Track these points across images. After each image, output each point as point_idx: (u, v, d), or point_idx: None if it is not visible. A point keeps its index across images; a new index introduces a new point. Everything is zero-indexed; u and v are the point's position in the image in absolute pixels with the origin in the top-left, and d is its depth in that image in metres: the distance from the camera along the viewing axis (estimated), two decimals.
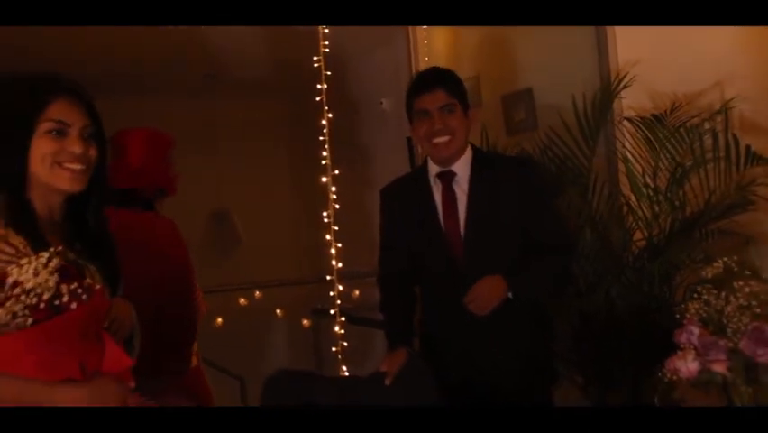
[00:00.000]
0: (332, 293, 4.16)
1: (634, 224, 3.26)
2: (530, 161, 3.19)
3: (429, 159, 2.70)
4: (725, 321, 1.43)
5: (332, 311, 4.18)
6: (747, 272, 1.47)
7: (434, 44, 4.97)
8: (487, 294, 2.49)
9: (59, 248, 1.56)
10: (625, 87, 3.43)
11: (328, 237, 4.11)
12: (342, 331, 4.22)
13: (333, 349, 4.28)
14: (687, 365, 1.45)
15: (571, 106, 3.48)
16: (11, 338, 1.43)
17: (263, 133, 6.59)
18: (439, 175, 2.66)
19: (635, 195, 3.25)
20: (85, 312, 1.49)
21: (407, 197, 2.74)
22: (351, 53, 5.35)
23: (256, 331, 6.11)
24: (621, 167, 3.46)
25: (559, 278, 2.72)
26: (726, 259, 1.57)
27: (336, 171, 4.12)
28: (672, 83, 3.51)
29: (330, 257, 4.13)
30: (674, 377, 1.45)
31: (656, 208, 3.13)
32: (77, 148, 1.68)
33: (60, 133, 1.68)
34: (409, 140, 4.42)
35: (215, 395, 5.64)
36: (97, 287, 1.57)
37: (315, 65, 4.13)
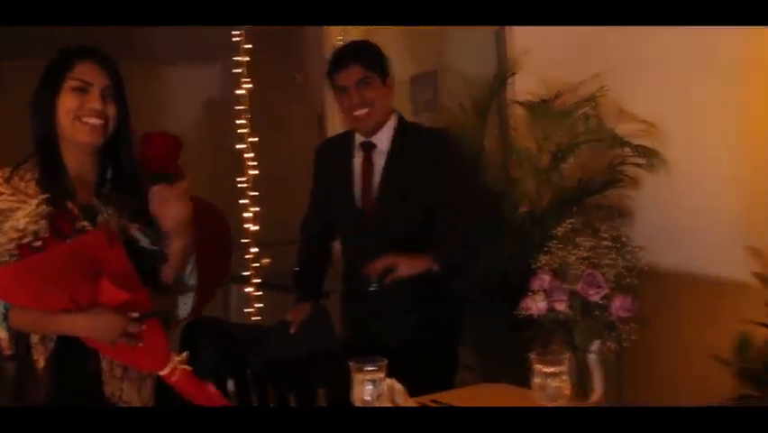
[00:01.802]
0: (247, 256, 4.43)
1: (518, 197, 3.66)
2: (451, 134, 3.27)
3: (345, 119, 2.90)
4: (568, 270, 1.80)
5: (245, 273, 4.44)
6: (588, 230, 1.84)
7: None
8: (402, 263, 2.63)
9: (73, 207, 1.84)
10: (513, 74, 3.80)
11: (244, 202, 4.38)
12: (259, 293, 4.49)
13: (246, 310, 4.56)
14: (537, 304, 1.82)
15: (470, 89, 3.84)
16: (2, 270, 1.72)
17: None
18: (361, 144, 2.81)
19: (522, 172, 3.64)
20: (66, 252, 1.76)
21: (332, 159, 2.91)
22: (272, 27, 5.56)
23: None
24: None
25: (487, 234, 2.91)
26: (572, 220, 1.94)
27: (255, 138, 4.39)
28: (560, 72, 3.91)
29: (245, 221, 4.39)
30: (527, 313, 1.81)
31: (538, 184, 3.53)
32: (96, 104, 1.90)
33: (83, 90, 1.90)
34: (320, 117, 4.64)
35: None
36: (88, 229, 1.84)
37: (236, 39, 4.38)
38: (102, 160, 1.99)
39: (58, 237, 1.79)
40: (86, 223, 1.87)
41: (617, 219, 3.79)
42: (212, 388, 1.94)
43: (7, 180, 1.90)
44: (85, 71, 1.91)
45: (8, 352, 1.87)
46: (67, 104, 1.90)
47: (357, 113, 2.73)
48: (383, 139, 2.79)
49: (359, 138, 2.82)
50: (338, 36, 5.00)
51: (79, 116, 1.90)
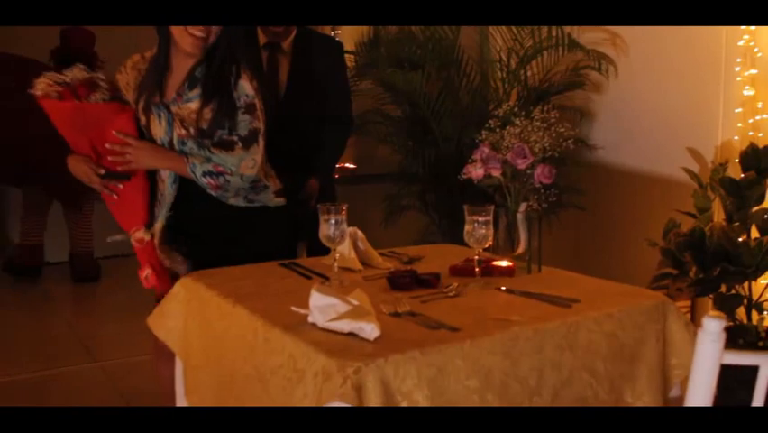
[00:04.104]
0: None
1: (490, 94, 4.01)
2: (338, 42, 3.54)
3: (259, 27, 3.01)
4: (503, 144, 2.15)
5: None
6: (522, 113, 2.19)
7: None
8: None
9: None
10: None
11: None
12: None
13: None
14: (476, 171, 2.17)
15: None
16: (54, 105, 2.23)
17: None
18: (265, 45, 3.00)
19: (491, 71, 3.98)
20: (71, 107, 2.21)
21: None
22: None
23: None
24: None
25: (342, 148, 3.22)
26: (509, 104, 2.30)
27: None
28: None
29: None
30: (467, 177, 2.17)
31: (506, 83, 3.86)
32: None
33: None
34: None
35: None
36: (101, 101, 2.25)
37: None
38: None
39: (74, 97, 2.21)
40: (104, 96, 2.25)
41: (579, 120, 4.16)
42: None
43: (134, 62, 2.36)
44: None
45: None
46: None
47: (275, 28, 2.98)
48: (288, 43, 3.02)
49: (262, 38, 3.01)
50: None
51: (186, 27, 2.17)
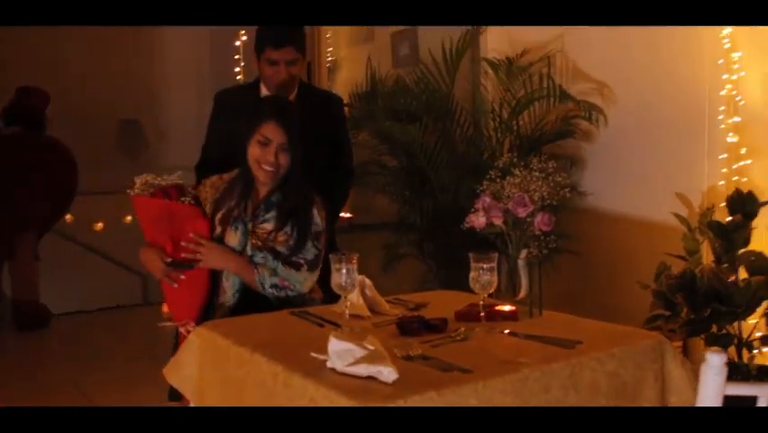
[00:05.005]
0: None
1: (484, 144, 4.14)
2: (338, 97, 3.71)
3: (262, 83, 3.17)
4: (504, 193, 2.26)
5: None
6: (522, 164, 2.31)
7: None
8: None
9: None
10: (482, 32, 4.25)
11: None
12: None
13: None
14: (478, 219, 2.28)
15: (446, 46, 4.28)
16: (142, 199, 2.57)
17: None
18: None
19: (484, 121, 4.12)
20: (160, 205, 2.55)
21: (239, 106, 3.15)
22: None
23: None
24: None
25: (346, 198, 3.39)
26: (509, 155, 2.42)
27: None
28: (527, 31, 4.35)
29: None
30: (470, 226, 2.28)
31: (499, 133, 4.00)
32: (271, 157, 2.53)
33: (265, 144, 2.54)
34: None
35: (120, 290, 6.28)
36: (187, 203, 2.59)
37: None
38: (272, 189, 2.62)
39: (165, 196, 2.57)
40: (190, 200, 2.61)
41: (570, 167, 4.29)
42: None
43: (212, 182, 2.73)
44: (268, 130, 2.55)
45: None
46: (253, 153, 2.56)
47: (280, 86, 3.12)
48: (291, 95, 3.15)
49: (265, 91, 3.16)
50: None
51: (260, 163, 2.55)
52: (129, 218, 6.14)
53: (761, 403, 1.37)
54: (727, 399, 1.37)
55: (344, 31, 6.05)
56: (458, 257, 4.04)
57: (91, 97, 6.21)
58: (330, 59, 6.07)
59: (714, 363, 1.37)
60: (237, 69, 5.20)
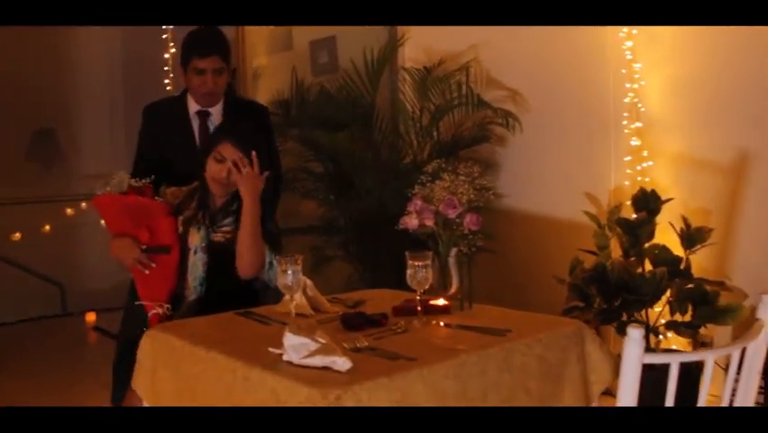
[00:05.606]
0: None
1: (404, 149, 4.33)
2: (263, 106, 3.82)
3: (189, 95, 3.25)
4: (434, 196, 2.44)
5: None
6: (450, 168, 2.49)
7: None
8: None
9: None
10: (402, 44, 4.44)
11: None
12: None
13: None
14: (411, 221, 2.46)
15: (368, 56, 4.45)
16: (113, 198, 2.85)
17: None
18: (197, 113, 3.25)
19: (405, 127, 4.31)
20: (131, 200, 2.82)
21: (168, 119, 3.28)
22: None
23: (79, 241, 6.49)
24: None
25: (276, 204, 3.48)
26: (438, 161, 2.61)
27: None
28: (444, 43, 4.57)
29: None
30: (403, 227, 2.45)
31: (420, 138, 4.20)
32: (224, 173, 2.78)
33: (220, 161, 2.79)
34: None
35: (38, 301, 6.17)
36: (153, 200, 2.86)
37: None
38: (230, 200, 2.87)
39: (138, 194, 2.84)
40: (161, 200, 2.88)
41: (485, 170, 4.52)
42: None
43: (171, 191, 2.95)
44: (224, 149, 2.79)
45: None
46: (210, 170, 2.81)
47: (207, 95, 3.21)
48: (217, 109, 3.28)
49: (193, 105, 3.26)
50: None
51: (215, 179, 2.81)
52: (47, 228, 6.09)
53: (673, 369, 1.61)
54: (645, 367, 1.59)
55: (263, 39, 6.14)
56: (383, 258, 4.25)
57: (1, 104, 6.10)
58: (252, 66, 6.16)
59: (635, 336, 1.59)
60: (167, 81, 5.23)
